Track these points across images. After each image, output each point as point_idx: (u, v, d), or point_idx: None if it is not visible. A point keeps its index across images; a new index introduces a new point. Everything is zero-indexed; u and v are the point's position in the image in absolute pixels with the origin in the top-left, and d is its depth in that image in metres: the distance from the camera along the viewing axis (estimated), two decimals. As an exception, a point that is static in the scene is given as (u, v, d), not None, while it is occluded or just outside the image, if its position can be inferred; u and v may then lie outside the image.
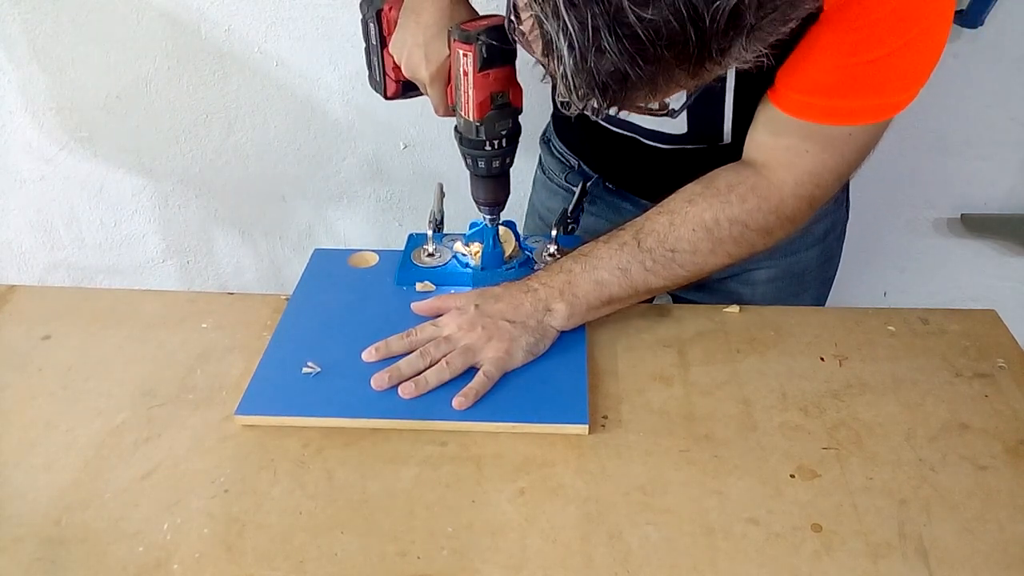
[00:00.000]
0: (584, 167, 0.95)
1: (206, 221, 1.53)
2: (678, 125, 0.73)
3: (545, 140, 1.01)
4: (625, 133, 0.81)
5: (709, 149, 0.77)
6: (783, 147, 0.68)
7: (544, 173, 1.02)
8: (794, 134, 0.67)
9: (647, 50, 0.46)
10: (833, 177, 0.69)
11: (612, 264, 0.72)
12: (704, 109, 0.71)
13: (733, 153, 0.74)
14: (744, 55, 0.48)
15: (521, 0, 0.50)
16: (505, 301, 0.73)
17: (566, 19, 0.46)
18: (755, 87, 0.68)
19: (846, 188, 0.94)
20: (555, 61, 0.48)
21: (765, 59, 0.49)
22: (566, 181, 0.97)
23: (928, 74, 0.63)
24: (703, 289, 0.95)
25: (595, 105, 0.50)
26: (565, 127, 0.97)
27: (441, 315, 0.75)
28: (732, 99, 0.70)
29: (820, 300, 1.00)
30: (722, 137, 0.74)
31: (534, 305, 0.73)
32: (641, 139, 0.81)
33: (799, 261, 0.92)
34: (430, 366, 0.70)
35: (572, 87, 0.49)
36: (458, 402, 0.67)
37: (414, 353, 0.71)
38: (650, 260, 0.72)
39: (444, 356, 0.70)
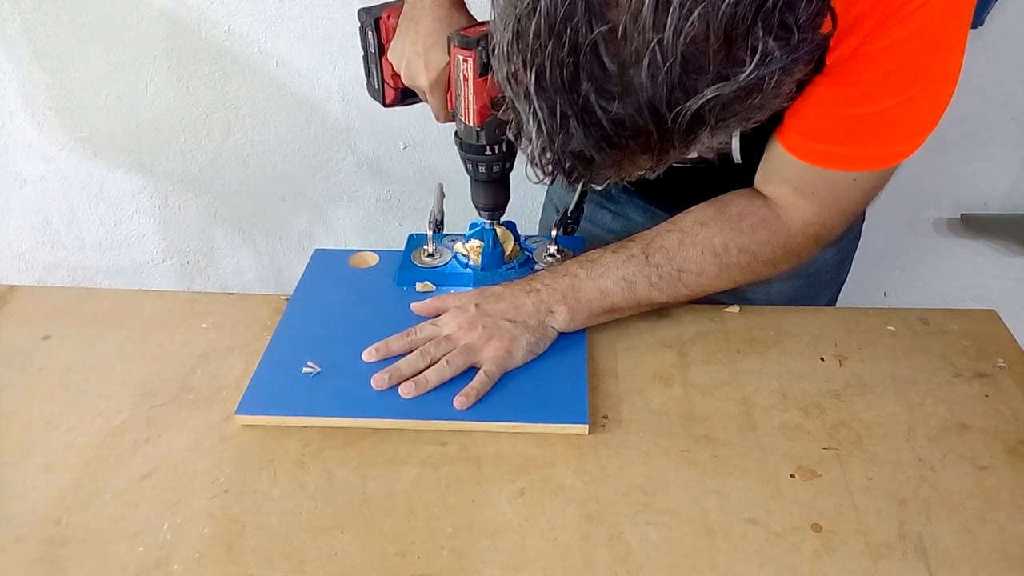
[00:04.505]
0: None
1: (206, 221, 1.53)
2: None
3: None
4: None
5: (723, 168, 0.76)
6: (790, 187, 0.69)
7: None
8: (799, 176, 0.68)
9: (612, 138, 0.48)
10: (839, 219, 0.70)
11: (618, 274, 0.73)
12: None
13: (748, 171, 0.74)
14: (710, 142, 0.50)
15: (498, 77, 0.51)
16: (506, 301, 0.73)
17: (536, 105, 0.48)
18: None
19: None
20: (524, 139, 0.51)
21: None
22: None
23: (934, 124, 0.63)
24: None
25: (562, 180, 0.52)
26: None
27: (441, 314, 0.75)
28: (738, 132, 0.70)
29: (833, 301, 1.00)
30: (732, 160, 0.74)
31: (536, 306, 0.73)
32: None
33: (815, 261, 0.91)
34: (430, 365, 0.70)
35: (539, 164, 0.51)
36: (459, 402, 0.67)
37: (414, 352, 0.71)
38: (656, 276, 0.72)
39: (444, 355, 0.70)
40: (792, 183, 0.69)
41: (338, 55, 1.31)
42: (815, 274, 0.93)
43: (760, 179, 0.72)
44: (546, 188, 1.06)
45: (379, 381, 0.69)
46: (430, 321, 0.74)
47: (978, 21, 1.13)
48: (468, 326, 0.72)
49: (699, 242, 0.72)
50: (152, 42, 1.30)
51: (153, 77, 1.34)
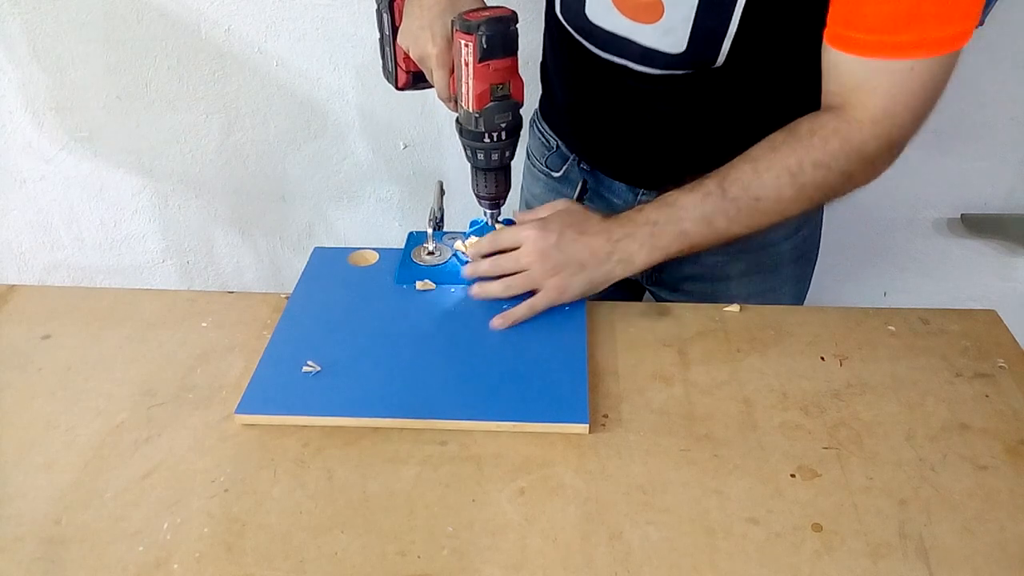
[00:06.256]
0: (563, 147, 0.96)
1: (206, 221, 1.53)
2: (676, 43, 0.73)
3: (531, 122, 1.02)
4: (616, 60, 0.80)
5: (698, 79, 0.77)
6: (852, 88, 0.69)
7: (528, 158, 1.04)
8: (856, 74, 0.68)
9: None
10: (908, 115, 0.69)
11: (696, 215, 0.73)
12: (708, 23, 0.72)
13: (722, 83, 0.76)
14: None
15: None
16: (584, 243, 0.75)
17: None
18: (766, 4, 0.69)
19: None
20: None
21: None
22: (546, 165, 0.99)
23: (979, 9, 0.63)
24: (677, 290, 0.97)
25: None
26: (550, 102, 0.97)
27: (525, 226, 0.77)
28: (740, 13, 0.70)
29: (799, 298, 1.01)
30: (716, 59, 0.74)
31: (609, 255, 0.75)
32: (632, 65, 0.79)
33: (771, 255, 0.93)
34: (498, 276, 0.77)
35: None
36: (496, 322, 0.75)
37: (488, 261, 0.78)
38: (734, 209, 0.72)
39: (511, 274, 0.76)
40: (852, 83, 0.69)
41: (338, 55, 1.31)
42: (773, 268, 0.95)
43: (824, 96, 0.72)
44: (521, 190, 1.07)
45: (468, 270, 0.79)
46: (514, 231, 0.77)
47: (978, 21, 1.13)
48: (542, 258, 0.75)
49: (774, 166, 0.71)
50: (152, 42, 1.30)
51: (153, 77, 1.34)
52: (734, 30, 0.70)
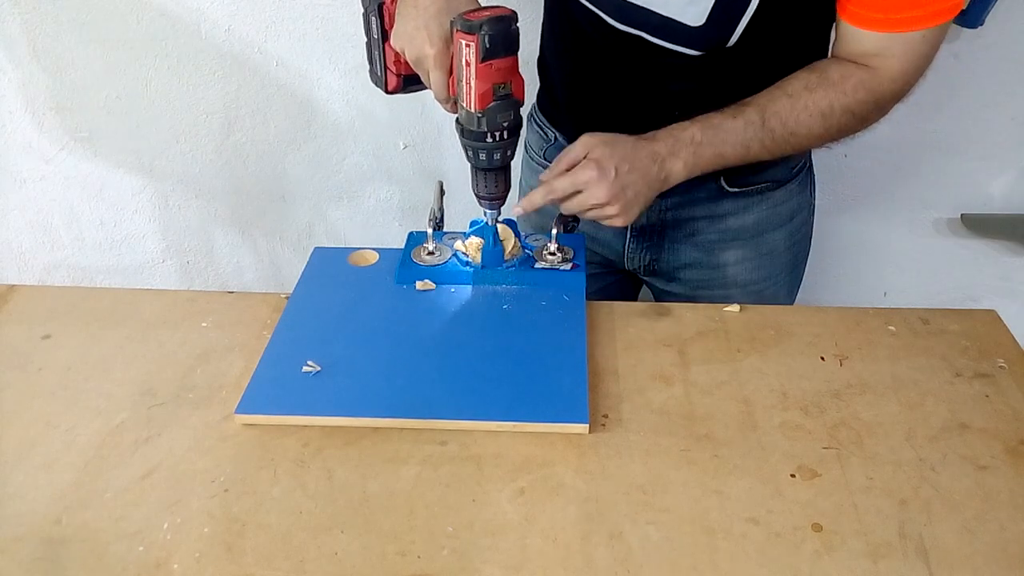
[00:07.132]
0: (561, 138, 0.96)
1: (206, 221, 1.53)
2: (698, 15, 0.75)
3: (528, 116, 1.03)
4: (631, 32, 0.81)
5: (708, 62, 0.79)
6: (873, 55, 0.76)
7: (527, 151, 1.04)
8: (878, 46, 0.75)
9: None
10: (916, 73, 0.77)
11: (737, 140, 0.77)
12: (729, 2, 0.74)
13: (729, 66, 0.79)
14: None
15: None
16: (638, 170, 0.76)
17: None
18: None
19: (811, 174, 0.99)
20: None
21: None
22: (545, 158, 0.99)
23: None
24: (675, 279, 0.98)
25: None
26: (548, 95, 0.98)
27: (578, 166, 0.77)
28: None
29: (794, 286, 1.03)
30: (730, 37, 0.77)
31: (658, 173, 0.77)
32: (647, 36, 0.80)
33: (766, 241, 0.95)
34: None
35: None
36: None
37: (559, 181, 0.76)
38: (769, 139, 0.77)
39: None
40: (875, 52, 0.75)
41: (338, 55, 1.31)
42: (767, 254, 0.96)
43: (842, 56, 0.78)
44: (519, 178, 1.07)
45: (538, 193, 0.78)
46: (572, 179, 0.76)
47: (978, 21, 1.13)
48: (612, 197, 0.75)
49: (808, 106, 0.77)
50: (152, 42, 1.30)
51: (153, 77, 1.34)
52: (754, 7, 0.74)
